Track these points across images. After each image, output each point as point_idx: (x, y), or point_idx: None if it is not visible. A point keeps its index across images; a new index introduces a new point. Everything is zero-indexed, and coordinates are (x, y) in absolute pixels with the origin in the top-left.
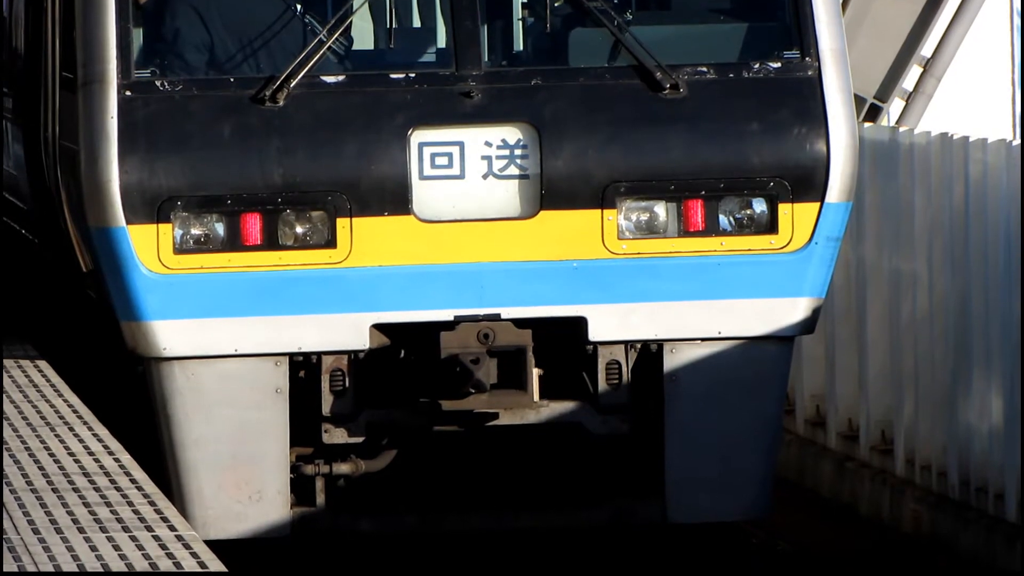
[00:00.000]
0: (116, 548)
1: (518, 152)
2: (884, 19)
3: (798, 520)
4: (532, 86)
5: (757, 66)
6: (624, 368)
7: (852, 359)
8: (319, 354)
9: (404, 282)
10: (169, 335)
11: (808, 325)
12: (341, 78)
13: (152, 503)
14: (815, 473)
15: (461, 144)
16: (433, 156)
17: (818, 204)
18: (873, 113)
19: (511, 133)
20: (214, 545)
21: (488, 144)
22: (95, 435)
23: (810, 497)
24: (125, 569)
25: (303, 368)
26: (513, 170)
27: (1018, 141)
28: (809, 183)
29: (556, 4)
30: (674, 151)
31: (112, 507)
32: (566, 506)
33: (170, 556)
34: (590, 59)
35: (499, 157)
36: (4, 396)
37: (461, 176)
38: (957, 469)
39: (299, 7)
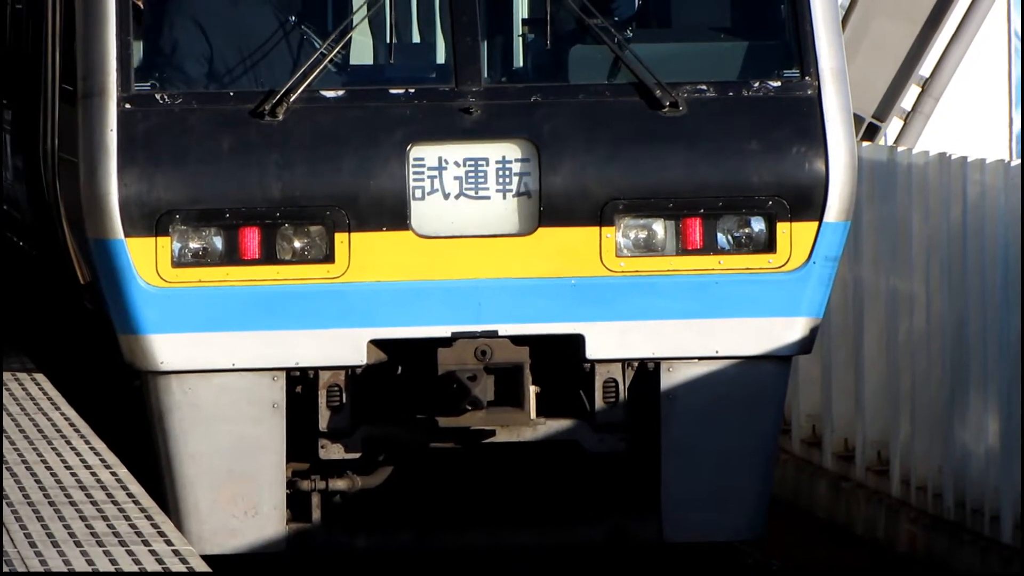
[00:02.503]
0: (113, 562)
1: (517, 169)
2: (883, 39)
3: (793, 540)
4: (532, 103)
5: (757, 85)
6: (621, 386)
7: (849, 379)
8: (316, 369)
9: (402, 298)
10: (167, 349)
11: (805, 345)
12: (340, 93)
13: (149, 517)
14: (810, 493)
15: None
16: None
17: (816, 223)
18: (871, 132)
19: (510, 149)
20: (210, 560)
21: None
22: (92, 448)
23: (805, 517)
24: None
25: (300, 383)
26: (512, 187)
27: (1016, 162)
28: (808, 202)
29: (557, 17)
30: (673, 169)
31: (109, 521)
32: (562, 524)
33: (166, 571)
34: (590, 76)
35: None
36: (1, 409)
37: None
38: (953, 490)
39: (299, 22)
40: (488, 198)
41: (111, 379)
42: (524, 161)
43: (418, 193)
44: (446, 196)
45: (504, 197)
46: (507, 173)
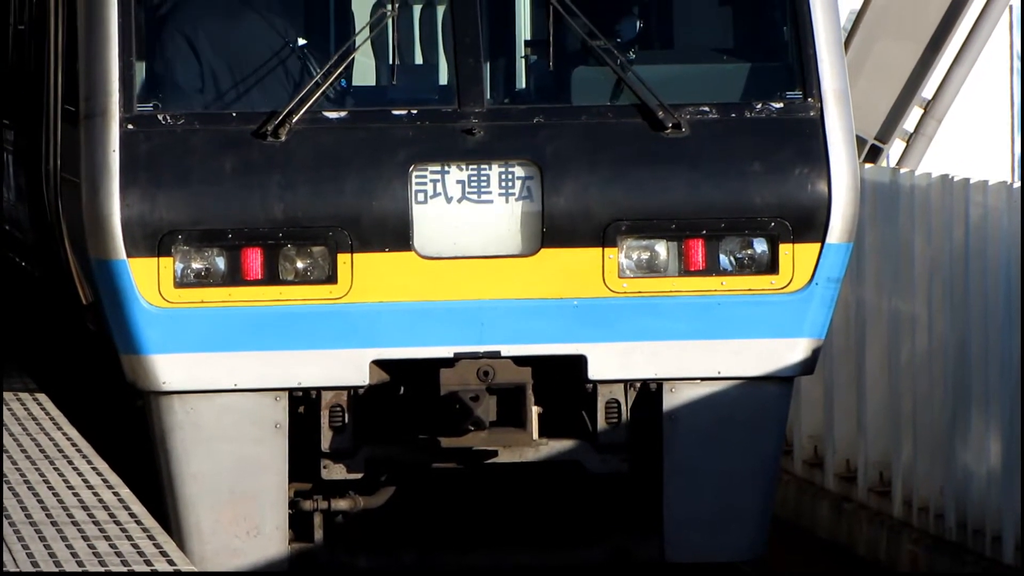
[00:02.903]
0: None
1: (520, 189)
2: (886, 60)
3: (795, 561)
4: (534, 124)
5: (759, 106)
6: (623, 407)
7: (851, 400)
8: (319, 389)
9: (404, 318)
10: (169, 369)
11: (808, 366)
12: (343, 114)
13: (151, 537)
14: (812, 514)
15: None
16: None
17: (819, 245)
18: (874, 154)
19: (513, 171)
20: None
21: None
22: (94, 469)
23: (807, 538)
24: None
25: (303, 403)
26: (514, 207)
27: (1018, 184)
28: (810, 224)
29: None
30: (676, 190)
31: (111, 541)
32: (564, 544)
33: None
34: (592, 97)
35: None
36: (3, 429)
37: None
38: (955, 511)
39: (302, 43)
40: (491, 202)
41: (113, 399)
42: (527, 182)
43: (420, 197)
44: (448, 200)
45: (507, 201)
46: (510, 177)
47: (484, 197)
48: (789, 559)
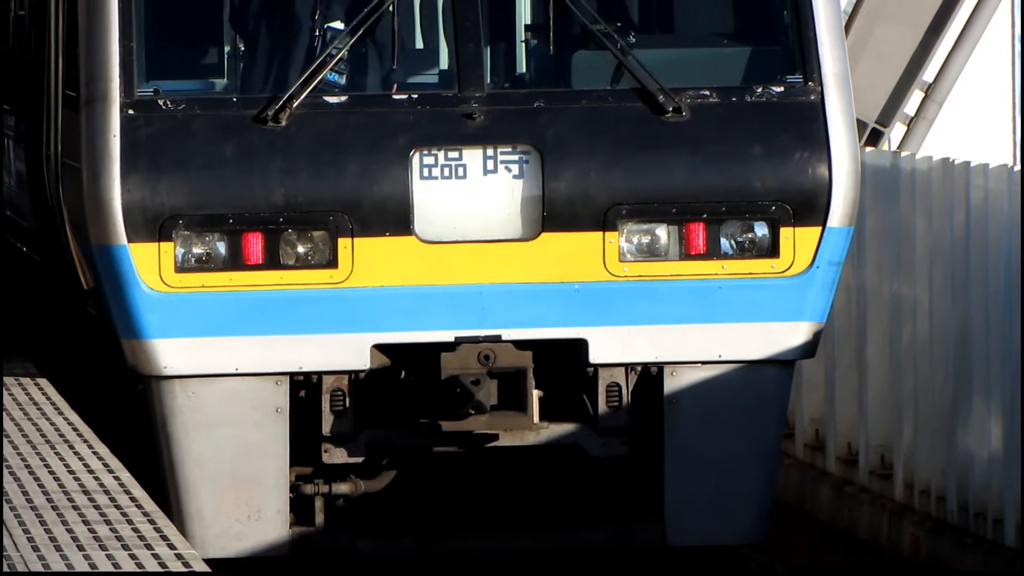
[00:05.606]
0: (116, 566)
1: (520, 174)
2: (886, 44)
3: (796, 544)
4: (535, 108)
5: (760, 90)
6: (624, 390)
7: (852, 383)
8: (320, 374)
9: (405, 303)
10: (170, 353)
11: (809, 349)
12: (344, 98)
13: (152, 521)
14: (814, 497)
15: (464, 166)
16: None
17: (820, 228)
18: (875, 138)
19: (513, 155)
20: (213, 564)
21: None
22: (95, 453)
23: (809, 521)
24: None
25: (303, 388)
26: (515, 192)
27: (1019, 167)
28: (811, 207)
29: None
30: (676, 174)
31: (111, 525)
32: (565, 528)
33: (169, 574)
34: (593, 81)
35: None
36: (4, 413)
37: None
38: (956, 494)
39: (303, 27)
40: (492, 186)
41: (114, 384)
42: (527, 166)
43: (420, 181)
44: (449, 184)
45: (508, 186)
46: (511, 161)
47: (485, 181)
48: (790, 542)
